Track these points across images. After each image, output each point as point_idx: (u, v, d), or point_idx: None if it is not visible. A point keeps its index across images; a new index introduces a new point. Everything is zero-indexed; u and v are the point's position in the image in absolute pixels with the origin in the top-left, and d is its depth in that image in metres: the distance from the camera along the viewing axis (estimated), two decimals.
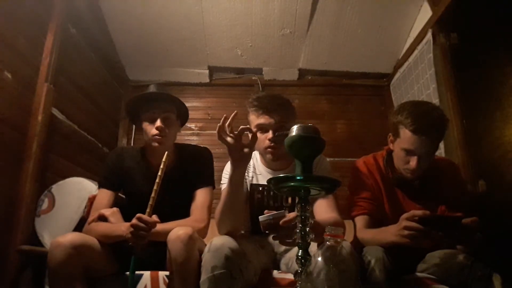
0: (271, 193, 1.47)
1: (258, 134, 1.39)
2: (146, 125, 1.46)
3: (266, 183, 1.43)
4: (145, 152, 1.54)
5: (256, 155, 1.54)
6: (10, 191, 1.70)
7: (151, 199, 1.23)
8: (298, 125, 0.92)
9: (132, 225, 1.18)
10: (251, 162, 1.51)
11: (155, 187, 1.24)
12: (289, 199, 1.47)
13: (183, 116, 1.59)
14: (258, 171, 1.50)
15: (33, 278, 1.71)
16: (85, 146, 2.40)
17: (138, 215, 1.19)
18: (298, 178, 0.88)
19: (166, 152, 1.30)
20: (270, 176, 1.44)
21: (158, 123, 1.43)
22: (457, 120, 2.09)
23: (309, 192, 0.92)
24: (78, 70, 2.35)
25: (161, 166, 1.27)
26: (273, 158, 1.40)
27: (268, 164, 1.48)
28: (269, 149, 1.38)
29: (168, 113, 1.48)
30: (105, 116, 2.76)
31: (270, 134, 1.37)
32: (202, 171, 1.53)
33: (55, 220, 1.79)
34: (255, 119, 1.40)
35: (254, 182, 1.48)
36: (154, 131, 1.43)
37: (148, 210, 1.22)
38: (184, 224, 1.25)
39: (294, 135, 0.91)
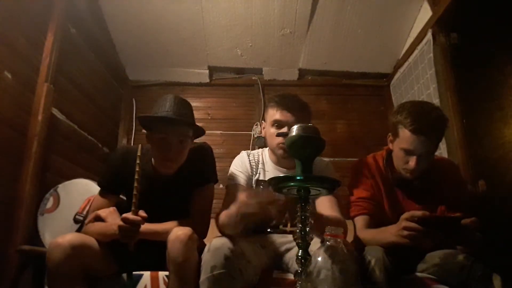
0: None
1: (272, 130, 1.41)
2: (158, 145, 1.36)
3: None
4: (149, 155, 1.51)
5: (265, 151, 1.55)
6: (10, 191, 1.70)
7: (133, 197, 1.19)
8: (298, 125, 0.92)
9: (119, 228, 1.17)
10: (260, 158, 1.53)
11: (135, 184, 1.20)
12: None
13: (197, 136, 1.48)
14: (266, 167, 1.51)
15: (33, 278, 1.71)
16: (85, 146, 2.40)
17: (123, 216, 1.18)
18: (298, 178, 0.88)
19: (140, 145, 1.25)
20: (278, 174, 1.45)
21: (173, 150, 1.33)
22: (457, 120, 2.09)
23: (309, 192, 0.92)
24: (78, 70, 2.35)
25: (137, 161, 1.22)
26: (284, 154, 1.41)
27: (277, 161, 1.49)
28: (281, 145, 1.39)
29: (184, 137, 1.37)
30: (105, 116, 2.76)
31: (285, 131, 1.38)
32: (202, 169, 1.49)
33: (57, 220, 1.78)
34: (273, 114, 1.42)
35: (260, 178, 1.48)
36: (166, 156, 1.35)
37: (132, 208, 1.19)
38: (183, 224, 1.25)
39: (294, 135, 0.91)
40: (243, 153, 1.56)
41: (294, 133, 0.91)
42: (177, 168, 1.39)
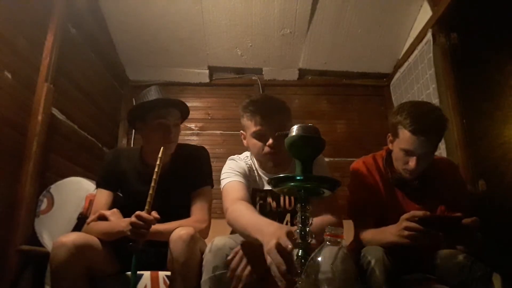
0: (273, 198, 1.44)
1: (255, 141, 1.35)
2: (157, 129, 1.44)
3: (267, 188, 1.43)
4: (141, 153, 1.55)
5: (254, 159, 1.48)
6: (10, 191, 1.70)
7: (149, 196, 1.23)
8: (298, 125, 0.92)
9: (131, 223, 1.19)
10: (253, 166, 1.47)
11: (152, 184, 1.24)
12: (292, 203, 1.45)
13: (184, 117, 1.60)
14: (257, 174, 1.46)
15: (33, 278, 1.71)
16: (85, 146, 2.40)
17: (137, 213, 1.20)
18: (298, 178, 0.88)
19: (162, 148, 1.30)
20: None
21: (173, 132, 1.46)
22: (457, 120, 2.09)
23: (309, 192, 0.91)
24: (78, 70, 2.34)
25: (158, 162, 1.26)
26: (274, 163, 1.37)
27: (266, 169, 1.44)
28: (269, 155, 1.34)
29: (178, 119, 1.52)
30: (105, 116, 2.76)
31: (270, 141, 1.32)
32: (200, 171, 1.53)
33: (54, 220, 1.79)
34: (252, 126, 1.34)
35: (256, 187, 1.44)
36: (167, 138, 1.44)
37: (146, 207, 1.22)
38: (185, 224, 1.26)
39: (294, 135, 0.91)
40: (235, 158, 1.48)
41: (294, 133, 0.91)
42: (174, 148, 1.49)
